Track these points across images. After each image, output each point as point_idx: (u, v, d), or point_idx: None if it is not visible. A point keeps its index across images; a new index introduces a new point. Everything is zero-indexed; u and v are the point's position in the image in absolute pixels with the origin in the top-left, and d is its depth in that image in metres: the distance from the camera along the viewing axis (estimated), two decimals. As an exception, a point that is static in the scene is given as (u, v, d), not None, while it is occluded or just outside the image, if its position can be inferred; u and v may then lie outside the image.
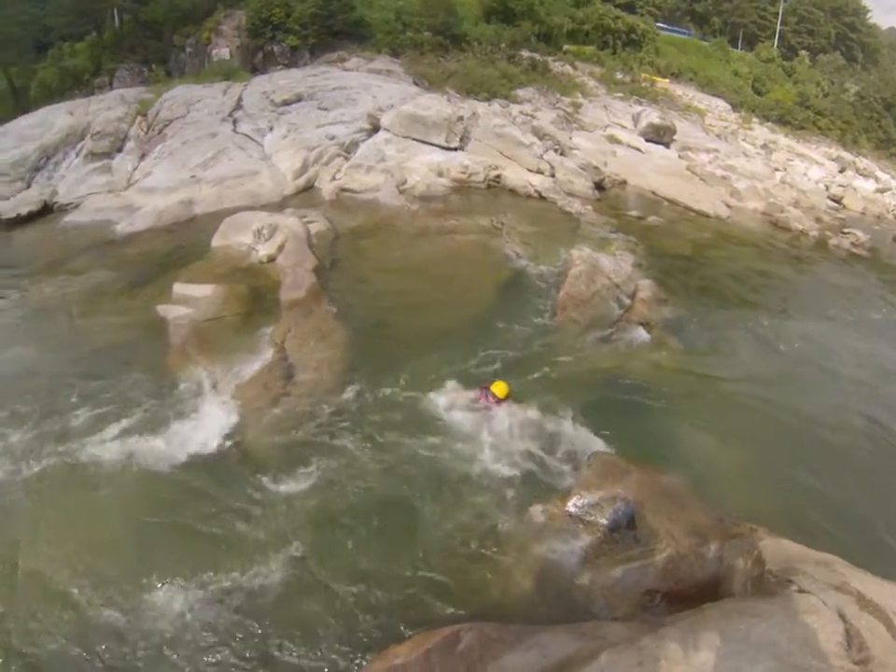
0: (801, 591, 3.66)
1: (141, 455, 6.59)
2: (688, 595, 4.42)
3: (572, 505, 5.43)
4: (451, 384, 7.55)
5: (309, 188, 13.47)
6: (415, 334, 9.03)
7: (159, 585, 4.97)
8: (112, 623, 4.71)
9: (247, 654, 4.47)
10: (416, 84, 23.35)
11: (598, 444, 6.64)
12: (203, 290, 9.37)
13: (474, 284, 11.07)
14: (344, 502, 5.81)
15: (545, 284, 10.95)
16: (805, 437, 7.52)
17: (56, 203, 14.73)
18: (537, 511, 5.56)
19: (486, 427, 6.79)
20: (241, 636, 4.59)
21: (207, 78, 23.67)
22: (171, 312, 9.13)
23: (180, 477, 6.24)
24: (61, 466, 6.55)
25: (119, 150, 16.99)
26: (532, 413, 7.07)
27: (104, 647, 4.57)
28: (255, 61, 27.80)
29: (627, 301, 10.11)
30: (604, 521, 5.24)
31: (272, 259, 10.04)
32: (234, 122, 17.39)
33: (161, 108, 19.17)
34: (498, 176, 16.69)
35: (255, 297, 9.39)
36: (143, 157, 16.14)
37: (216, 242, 10.69)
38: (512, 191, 16.59)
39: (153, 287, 10.10)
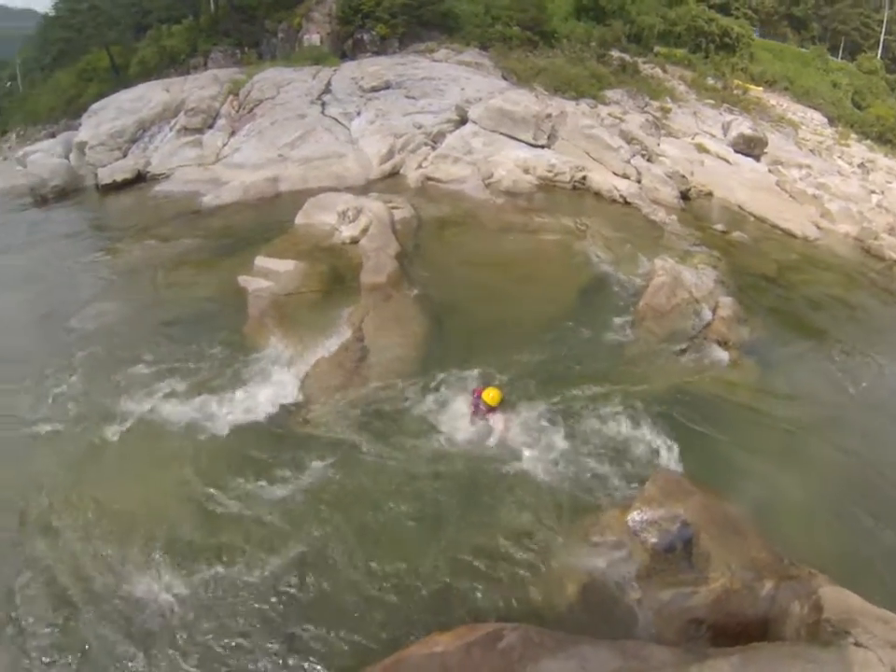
0: (858, 644, 3.54)
1: (208, 417, 6.76)
2: (735, 631, 4.22)
3: (630, 519, 5.14)
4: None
5: (394, 174, 13.35)
6: (492, 329, 8.74)
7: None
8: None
9: (288, 630, 4.50)
10: (505, 79, 22.95)
11: (663, 460, 6.34)
12: (285, 265, 9.33)
13: (554, 284, 10.70)
14: (394, 489, 5.74)
15: (625, 291, 10.44)
16: (874, 486, 6.90)
17: (149, 172, 15.29)
18: (591, 520, 5.38)
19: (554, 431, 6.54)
20: (281, 612, 4.62)
21: (298, 62, 24.07)
22: (251, 283, 9.13)
23: (240, 441, 6.39)
24: (133, 417, 6.81)
25: (211, 127, 17.47)
26: (596, 420, 6.75)
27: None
28: (344, 47, 28.10)
29: (707, 318, 9.50)
30: (660, 540, 4.95)
31: (354, 241, 9.91)
32: (323, 105, 17.52)
33: (253, 89, 19.58)
34: (584, 178, 16.10)
35: (335, 276, 9.28)
36: (233, 134, 16.51)
37: (299, 220, 10.66)
38: (597, 194, 15.97)
39: (235, 258, 10.17)
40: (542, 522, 5.42)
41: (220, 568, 4.93)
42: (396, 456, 6.11)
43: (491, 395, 6.67)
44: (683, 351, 8.76)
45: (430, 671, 3.68)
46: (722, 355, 8.71)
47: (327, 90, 19.14)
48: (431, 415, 6.73)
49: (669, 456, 6.39)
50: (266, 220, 11.42)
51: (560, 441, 6.39)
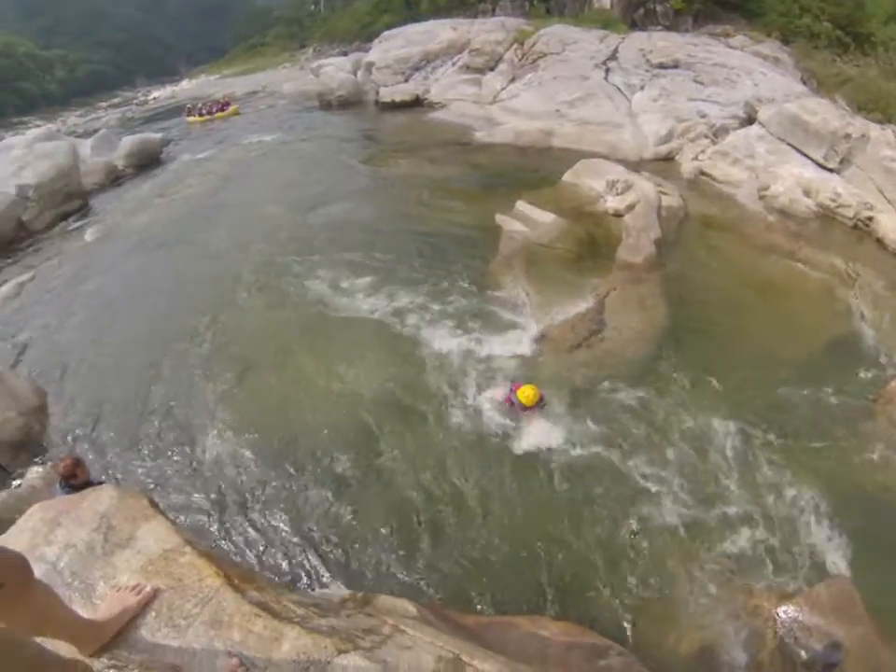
0: None
1: (435, 335, 7.15)
2: None
3: (782, 610, 4.48)
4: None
5: (668, 158, 12.56)
6: (728, 347, 7.89)
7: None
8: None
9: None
10: (804, 82, 20.30)
11: (843, 566, 5.19)
12: (545, 216, 9.37)
13: (804, 325, 9.38)
14: (583, 467, 5.52)
15: (880, 361, 8.87)
16: None
17: (426, 99, 16.26)
18: (735, 589, 4.74)
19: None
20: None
21: (585, 23, 23.53)
22: (508, 224, 9.32)
23: (455, 361, 6.68)
24: (366, 310, 7.62)
25: (492, 69, 17.94)
26: (792, 489, 5.74)
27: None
28: (634, 16, 26.81)
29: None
30: (801, 648, 4.28)
31: (618, 214, 9.60)
32: (607, 71, 17.01)
33: (538, 41, 19.62)
34: (870, 218, 13.73)
35: (590, 242, 9.10)
36: (512, 80, 16.78)
37: (567, 178, 10.58)
38: (880, 241, 13.61)
39: (496, 195, 10.43)
40: (690, 570, 4.90)
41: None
42: (582, 432, 5.94)
43: (527, 394, 6.15)
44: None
45: (531, 649, 3.61)
46: None
47: (613, 56, 18.51)
48: (642, 408, 6.30)
49: (851, 564, 5.22)
50: (532, 168, 11.49)
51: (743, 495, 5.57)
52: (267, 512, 5.23)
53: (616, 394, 6.40)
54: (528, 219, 9.29)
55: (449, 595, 4.44)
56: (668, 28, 24.76)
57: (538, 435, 5.85)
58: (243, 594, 2.05)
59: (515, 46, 19.90)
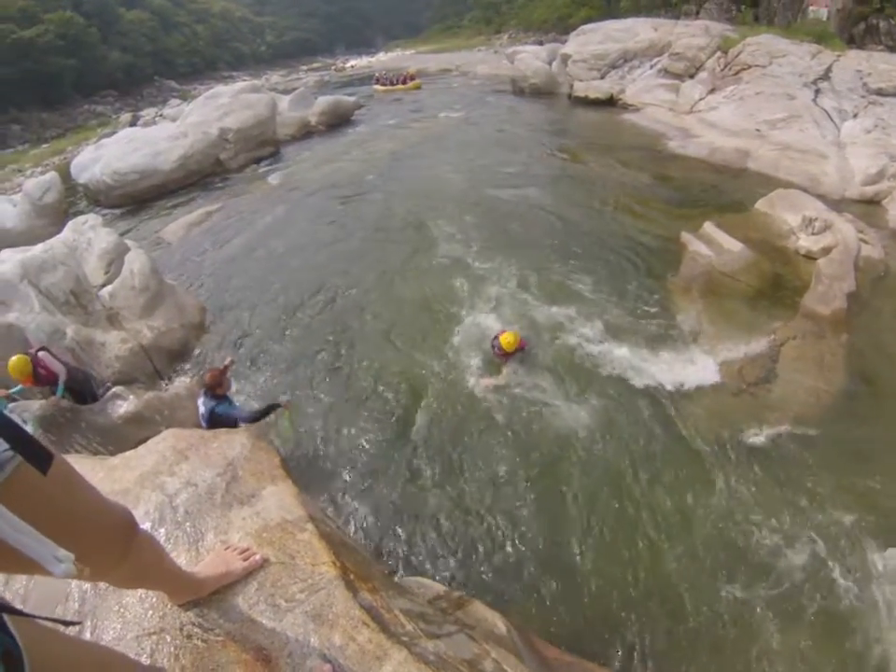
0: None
1: (607, 351, 7.05)
2: None
3: None
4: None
5: (873, 201, 11.37)
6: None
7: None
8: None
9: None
10: None
11: None
12: (732, 244, 9.05)
13: None
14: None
15: None
16: None
17: (620, 99, 15.91)
18: None
19: None
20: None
21: (797, 35, 21.35)
22: (694, 244, 9.12)
23: (619, 394, 6.39)
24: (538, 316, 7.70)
25: (691, 76, 17.06)
26: None
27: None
28: (853, 31, 23.89)
29: None
30: None
31: (810, 257, 9.00)
32: (816, 92, 15.52)
33: (743, 51, 18.23)
34: None
35: (774, 281, 8.65)
36: (712, 91, 15.88)
37: (760, 206, 10.05)
38: None
39: (683, 211, 10.21)
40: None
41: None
42: (728, 496, 5.12)
43: (508, 339, 6.49)
44: None
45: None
46: None
47: (825, 76, 16.79)
48: (796, 481, 5.32)
49: None
50: (723, 189, 11.02)
51: None
52: (385, 487, 5.34)
53: (769, 458, 5.59)
54: (715, 244, 9.05)
55: (539, 615, 4.17)
56: (891, 49, 21.88)
57: None
58: (355, 593, 1.84)
59: (718, 53, 18.70)
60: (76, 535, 1.08)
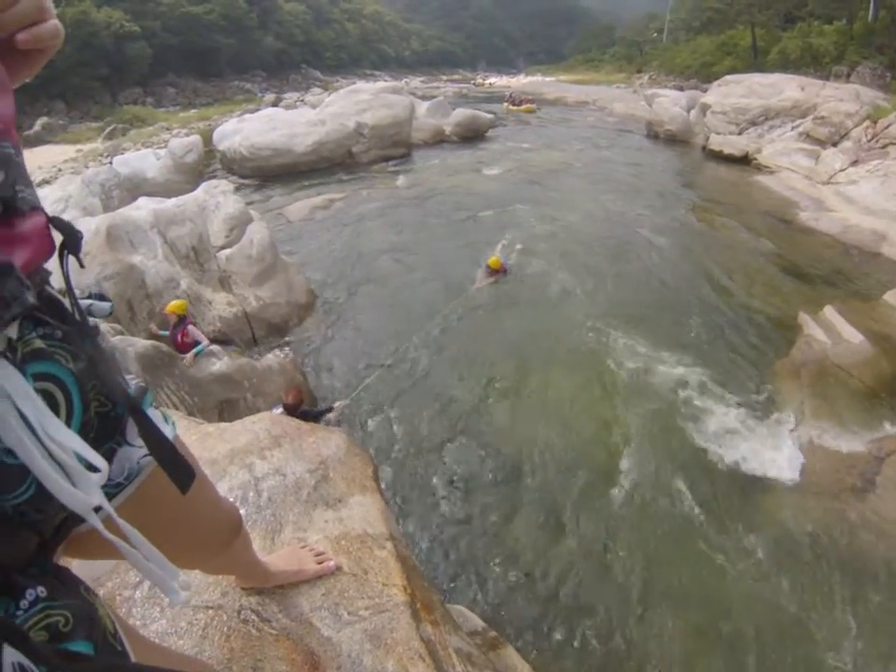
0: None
1: (692, 417, 6.71)
2: None
3: None
4: None
5: None
6: None
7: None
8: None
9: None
10: None
11: None
12: (853, 335, 8.28)
13: None
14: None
15: None
16: None
17: (754, 159, 14.92)
18: None
19: None
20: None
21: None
22: (810, 327, 8.46)
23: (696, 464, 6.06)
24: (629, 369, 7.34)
25: (834, 144, 15.63)
26: None
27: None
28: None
29: None
30: None
31: (931, 364, 8.06)
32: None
33: (894, 123, 16.46)
34: None
35: (890, 383, 7.84)
36: (854, 162, 14.47)
37: (889, 297, 9.07)
38: None
39: (805, 288, 9.52)
40: None
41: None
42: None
43: (492, 260, 9.07)
44: None
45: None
46: None
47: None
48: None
49: None
50: (852, 272, 10.04)
51: None
52: (468, 520, 5.04)
53: (845, 573, 4.93)
54: (833, 331, 8.34)
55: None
56: None
57: None
58: (418, 623, 1.70)
59: (867, 123, 16.94)
60: (184, 540, 0.96)
